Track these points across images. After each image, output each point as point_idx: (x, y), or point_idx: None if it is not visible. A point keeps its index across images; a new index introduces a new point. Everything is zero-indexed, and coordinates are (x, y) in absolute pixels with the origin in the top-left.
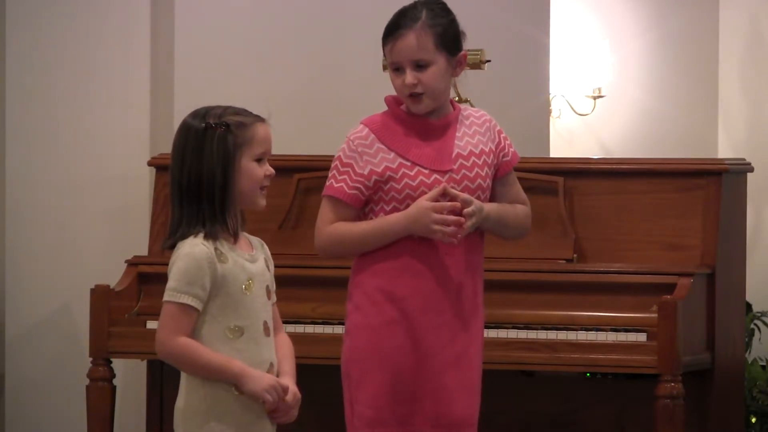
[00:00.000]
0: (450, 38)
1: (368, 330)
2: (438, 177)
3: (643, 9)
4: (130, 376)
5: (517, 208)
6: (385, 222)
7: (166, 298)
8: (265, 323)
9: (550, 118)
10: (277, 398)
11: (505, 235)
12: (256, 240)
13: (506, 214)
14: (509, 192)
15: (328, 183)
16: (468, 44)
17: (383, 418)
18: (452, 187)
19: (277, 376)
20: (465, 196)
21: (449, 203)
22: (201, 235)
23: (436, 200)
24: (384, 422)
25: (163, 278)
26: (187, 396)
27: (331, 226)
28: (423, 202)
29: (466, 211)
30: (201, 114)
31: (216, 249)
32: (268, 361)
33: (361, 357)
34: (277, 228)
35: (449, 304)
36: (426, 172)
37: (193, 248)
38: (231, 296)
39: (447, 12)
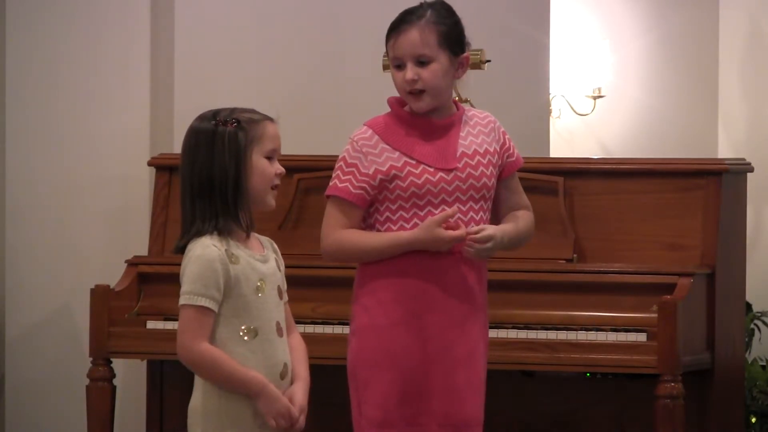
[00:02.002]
0: (453, 38)
1: (375, 331)
2: (443, 175)
3: (643, 9)
4: (130, 376)
5: (525, 220)
6: (396, 241)
7: (183, 302)
8: (278, 324)
9: (550, 118)
10: (285, 425)
11: (514, 250)
12: (265, 240)
13: (519, 232)
14: (512, 195)
15: (331, 183)
16: None
17: (391, 419)
18: (457, 186)
19: (292, 380)
20: (485, 236)
21: (457, 233)
22: (214, 234)
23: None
24: (392, 423)
25: (163, 278)
26: (204, 396)
27: (339, 233)
28: (437, 230)
29: (480, 236)
30: (209, 115)
31: (227, 250)
32: (282, 361)
33: (368, 358)
34: (277, 228)
35: (457, 302)
36: (431, 170)
37: (205, 250)
38: (244, 297)
39: (452, 13)
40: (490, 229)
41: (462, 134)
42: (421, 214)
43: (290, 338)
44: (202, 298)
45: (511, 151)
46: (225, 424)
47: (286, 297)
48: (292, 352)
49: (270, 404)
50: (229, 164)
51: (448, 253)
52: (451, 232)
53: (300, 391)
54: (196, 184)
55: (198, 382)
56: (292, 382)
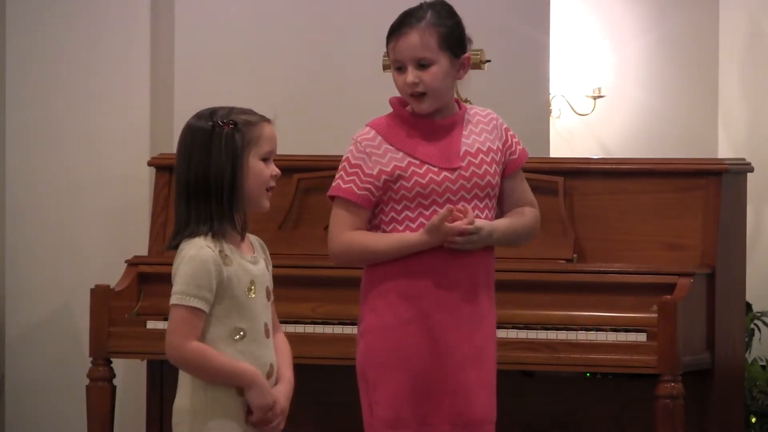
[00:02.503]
0: (454, 39)
1: (384, 331)
2: (447, 175)
3: (643, 9)
4: (130, 376)
5: (526, 216)
6: (405, 243)
7: (174, 301)
8: (266, 325)
9: (550, 118)
10: (266, 420)
11: (516, 246)
12: (255, 240)
13: (515, 228)
14: (515, 192)
15: (335, 184)
16: None
17: (403, 419)
18: (462, 185)
19: (277, 380)
20: (474, 228)
21: (462, 239)
22: (208, 235)
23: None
24: (404, 423)
25: (163, 278)
26: (191, 395)
27: (347, 235)
28: (434, 222)
29: (468, 228)
30: (206, 114)
31: (220, 252)
32: (269, 362)
33: (377, 359)
34: (277, 228)
35: (465, 301)
36: (435, 170)
37: (199, 251)
38: (235, 299)
39: (453, 14)
40: (479, 222)
41: (464, 133)
42: (427, 213)
43: (275, 338)
44: (194, 298)
45: (514, 148)
46: (211, 421)
47: (272, 297)
48: (277, 352)
49: (259, 396)
50: (226, 166)
51: (456, 252)
52: (456, 224)
53: (283, 394)
54: (192, 184)
55: (183, 381)
56: (276, 383)
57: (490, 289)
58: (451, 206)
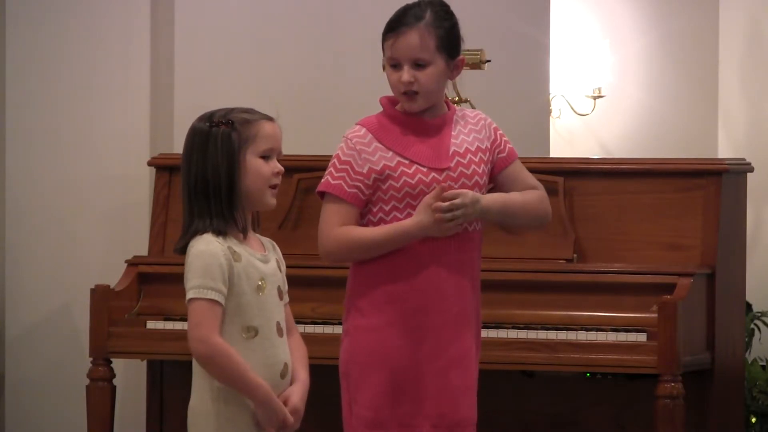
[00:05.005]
0: (451, 41)
1: (368, 331)
2: (436, 175)
3: (643, 9)
4: (130, 376)
5: (527, 194)
6: (399, 229)
7: (192, 295)
8: (278, 324)
9: (550, 118)
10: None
11: (520, 224)
12: (267, 241)
13: (512, 202)
14: (517, 180)
15: (323, 180)
16: (468, 44)
17: (383, 419)
18: (450, 186)
19: (291, 380)
20: (453, 193)
21: (446, 203)
22: (213, 232)
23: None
24: (384, 423)
25: (163, 278)
26: (207, 397)
27: (339, 230)
28: (427, 200)
29: (449, 193)
30: (207, 116)
31: (229, 247)
32: (282, 361)
33: (360, 358)
34: (277, 228)
35: (451, 303)
36: (424, 170)
37: (208, 245)
38: (245, 296)
39: (451, 15)
40: (464, 190)
41: (453, 133)
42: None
43: (290, 339)
44: (211, 291)
45: (502, 147)
46: (223, 425)
47: (287, 298)
48: (292, 353)
49: (270, 415)
50: (222, 164)
51: (443, 251)
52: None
53: (297, 393)
54: (192, 184)
55: (197, 382)
56: (291, 383)
57: (476, 292)
58: (442, 185)
